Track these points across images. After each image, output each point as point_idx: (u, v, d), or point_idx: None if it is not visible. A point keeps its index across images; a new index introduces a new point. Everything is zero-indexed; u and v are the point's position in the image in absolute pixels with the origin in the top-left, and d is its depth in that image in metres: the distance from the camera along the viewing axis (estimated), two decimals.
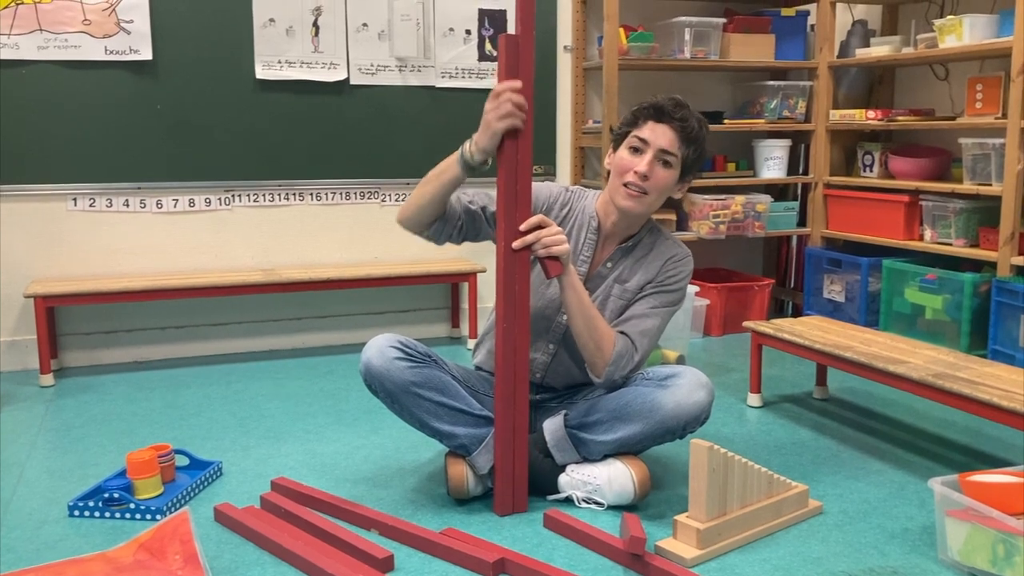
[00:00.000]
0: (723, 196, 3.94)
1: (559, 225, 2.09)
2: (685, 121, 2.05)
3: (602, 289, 2.16)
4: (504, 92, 1.90)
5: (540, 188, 2.18)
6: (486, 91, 2.00)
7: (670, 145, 2.05)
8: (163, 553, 1.73)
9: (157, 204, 3.51)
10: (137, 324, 3.55)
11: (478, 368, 2.31)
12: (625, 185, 2.07)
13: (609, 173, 2.16)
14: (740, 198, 3.95)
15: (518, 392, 2.00)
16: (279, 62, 3.55)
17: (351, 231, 3.78)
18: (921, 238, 3.59)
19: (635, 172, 2.05)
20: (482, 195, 2.14)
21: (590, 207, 2.20)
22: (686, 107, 2.08)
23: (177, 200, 3.53)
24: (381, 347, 2.04)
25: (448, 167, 1.99)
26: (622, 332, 2.09)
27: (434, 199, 2.02)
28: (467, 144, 1.97)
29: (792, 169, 4.19)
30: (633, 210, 2.08)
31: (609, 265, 2.17)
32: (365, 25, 3.64)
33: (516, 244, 1.94)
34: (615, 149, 2.14)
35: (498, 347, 1.99)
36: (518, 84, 1.92)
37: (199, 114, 3.48)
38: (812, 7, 4.07)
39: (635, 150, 2.07)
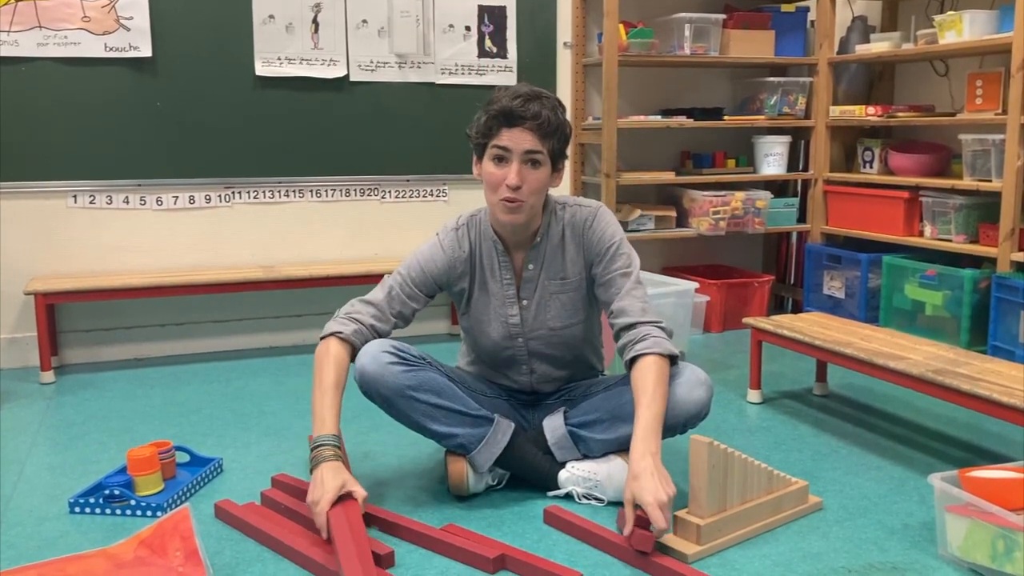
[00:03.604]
0: (723, 192, 3.94)
1: (471, 277, 2.11)
2: (538, 117, 1.93)
3: (539, 291, 2.12)
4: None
5: (430, 260, 2.12)
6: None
7: (533, 145, 1.95)
8: (164, 549, 1.73)
9: (157, 201, 3.51)
10: (137, 321, 3.55)
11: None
12: (502, 200, 1.98)
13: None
14: (740, 194, 3.95)
15: None
16: (279, 59, 3.55)
17: (351, 228, 3.78)
18: (921, 234, 3.59)
19: (506, 185, 1.96)
20: (398, 298, 2.10)
21: (487, 230, 2.12)
22: (536, 97, 1.95)
23: (177, 197, 3.53)
24: (374, 353, 2.01)
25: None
26: (633, 324, 1.99)
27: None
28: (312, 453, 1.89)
29: (792, 165, 4.19)
30: (518, 222, 2.02)
31: (531, 267, 2.11)
32: (365, 22, 3.64)
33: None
34: (479, 159, 2.04)
35: None
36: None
37: (199, 111, 3.48)
38: (812, 3, 4.07)
39: (499, 159, 1.98)
